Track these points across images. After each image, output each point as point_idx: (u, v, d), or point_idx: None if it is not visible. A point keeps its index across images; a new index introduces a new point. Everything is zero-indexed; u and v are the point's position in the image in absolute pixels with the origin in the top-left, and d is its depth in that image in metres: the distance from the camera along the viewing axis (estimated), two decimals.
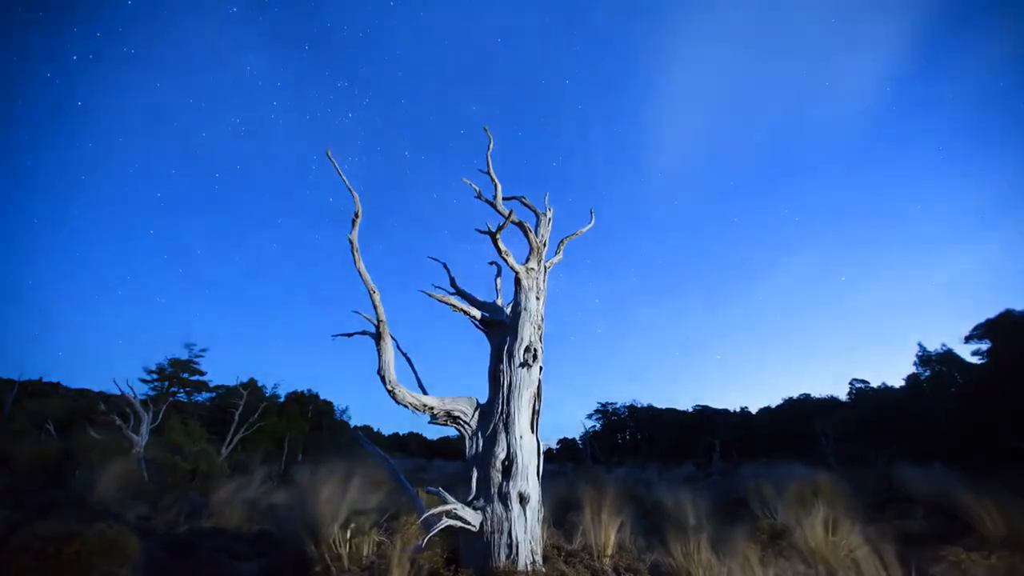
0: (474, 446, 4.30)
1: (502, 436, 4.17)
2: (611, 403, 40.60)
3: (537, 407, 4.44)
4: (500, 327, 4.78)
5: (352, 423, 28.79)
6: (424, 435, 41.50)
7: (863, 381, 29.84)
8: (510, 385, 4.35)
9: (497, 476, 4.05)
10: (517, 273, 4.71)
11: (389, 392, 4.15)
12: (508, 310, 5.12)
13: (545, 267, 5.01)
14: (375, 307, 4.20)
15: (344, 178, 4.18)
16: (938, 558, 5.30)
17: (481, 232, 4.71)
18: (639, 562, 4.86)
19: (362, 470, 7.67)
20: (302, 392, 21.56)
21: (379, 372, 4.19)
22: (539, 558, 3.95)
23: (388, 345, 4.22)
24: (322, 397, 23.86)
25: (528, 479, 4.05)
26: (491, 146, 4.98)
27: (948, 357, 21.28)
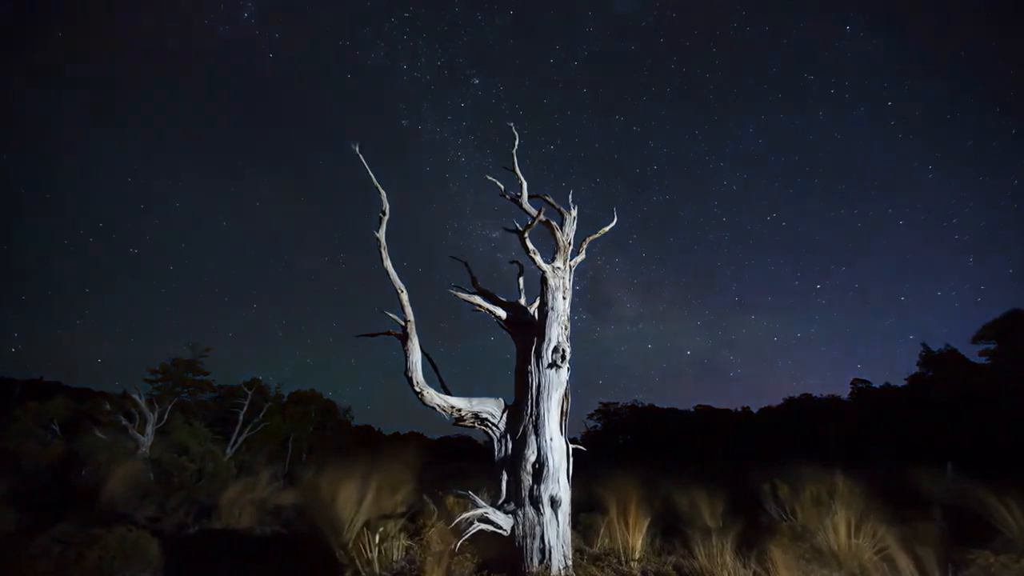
0: (503, 449, 4.23)
1: (532, 438, 4.10)
2: (612, 403, 40.58)
3: (565, 408, 4.37)
4: (526, 327, 4.71)
5: (354, 423, 28.68)
6: (424, 435, 41.31)
7: (864, 381, 29.79)
8: (539, 386, 4.28)
9: (528, 479, 3.98)
10: (544, 273, 4.63)
11: (417, 394, 4.08)
12: (532, 309, 5.05)
13: (570, 266, 4.94)
14: (402, 307, 4.12)
15: (372, 175, 4.10)
16: (966, 561, 5.26)
17: (509, 231, 4.65)
18: (668, 566, 4.80)
19: (375, 471, 7.60)
20: (305, 391, 21.45)
21: (406, 373, 4.12)
22: (571, 563, 3.89)
23: (415, 346, 4.15)
24: (323, 397, 23.78)
25: (559, 482, 3.98)
26: (517, 143, 4.91)
27: (952, 357, 21.29)
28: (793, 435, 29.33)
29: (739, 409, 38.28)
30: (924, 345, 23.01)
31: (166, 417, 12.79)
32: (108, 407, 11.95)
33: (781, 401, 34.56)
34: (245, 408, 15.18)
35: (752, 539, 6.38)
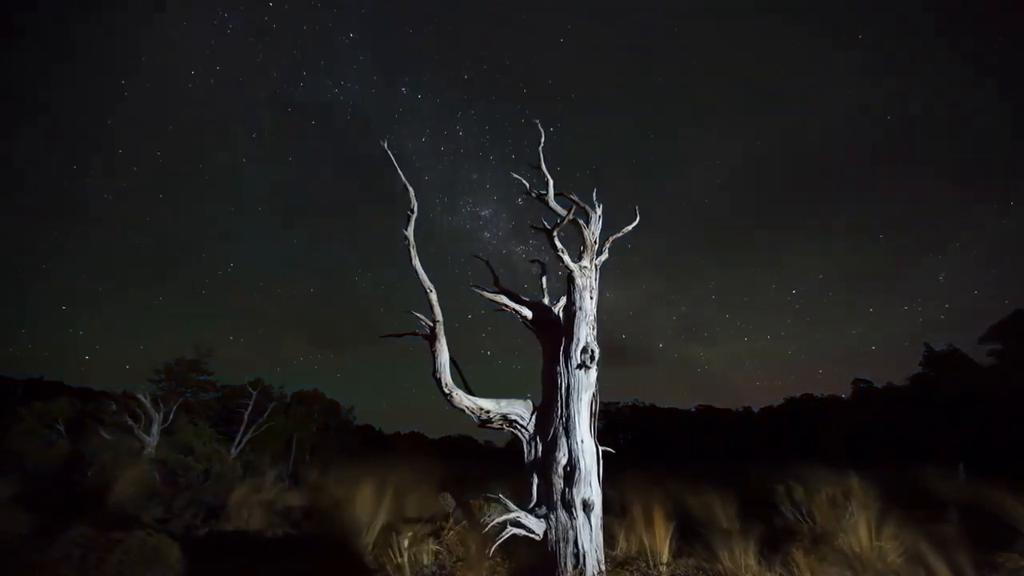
0: (532, 451, 4.16)
1: (563, 440, 4.03)
2: (613, 402, 40.49)
3: (594, 410, 4.29)
4: (553, 327, 4.64)
5: (355, 423, 28.51)
6: (425, 434, 41.13)
7: (866, 381, 29.78)
8: (568, 388, 4.21)
9: (559, 483, 3.91)
10: (572, 272, 4.56)
11: (446, 396, 4.00)
12: (557, 309, 4.98)
13: (595, 265, 4.87)
14: (431, 306, 4.04)
15: (400, 172, 4.03)
16: (993, 564, 5.21)
17: (536, 228, 4.57)
18: (697, 571, 4.73)
19: (386, 473, 7.51)
20: (308, 391, 21.32)
21: (434, 375, 4.04)
22: (604, 567, 3.81)
23: (443, 346, 4.07)
24: (325, 396, 23.63)
25: (591, 485, 3.91)
26: (543, 141, 4.83)
27: (955, 357, 21.27)
28: (793, 435, 29.32)
29: (740, 409, 38.29)
30: (927, 345, 23.03)
31: (171, 417, 12.68)
32: (114, 407, 11.83)
33: (782, 401, 34.57)
34: (250, 408, 15.06)
35: (771, 541, 6.33)
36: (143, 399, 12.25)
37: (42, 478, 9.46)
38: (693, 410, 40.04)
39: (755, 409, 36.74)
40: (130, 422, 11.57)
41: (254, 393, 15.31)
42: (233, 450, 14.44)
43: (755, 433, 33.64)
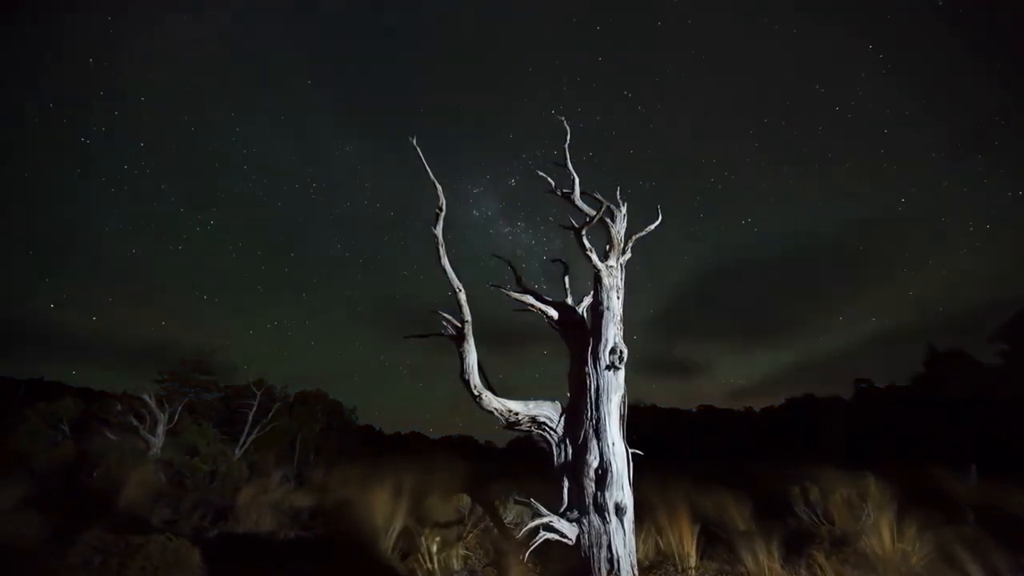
0: (562, 454, 4.09)
1: (593, 443, 3.96)
2: None
3: (623, 412, 4.22)
4: (579, 328, 4.57)
5: (357, 422, 28.36)
6: (425, 435, 40.97)
7: (867, 381, 29.74)
8: (597, 389, 4.14)
9: (591, 486, 3.84)
10: (599, 271, 4.49)
11: (475, 398, 3.93)
12: (581, 309, 4.91)
13: (621, 264, 4.80)
14: (460, 306, 3.97)
15: (428, 169, 3.95)
16: (1021, 567, 5.17)
17: (565, 227, 4.50)
18: (723, 575, 4.67)
19: (395, 475, 7.42)
20: (311, 391, 21.19)
21: (463, 376, 3.97)
22: (637, 572, 3.74)
23: (471, 347, 4.00)
24: (328, 396, 23.52)
25: (623, 489, 3.84)
26: (568, 138, 4.76)
27: (959, 357, 21.27)
28: (795, 435, 29.26)
29: (741, 409, 38.24)
30: (930, 345, 23.02)
31: (176, 418, 12.58)
32: (119, 407, 11.73)
33: (783, 401, 34.51)
34: (254, 408, 14.96)
35: (789, 543, 6.28)
36: (147, 399, 12.15)
37: (49, 479, 9.35)
38: (694, 410, 40.02)
39: (756, 409, 36.71)
40: (135, 423, 11.47)
41: (258, 393, 15.21)
42: (237, 451, 14.34)
43: (756, 433, 33.58)
